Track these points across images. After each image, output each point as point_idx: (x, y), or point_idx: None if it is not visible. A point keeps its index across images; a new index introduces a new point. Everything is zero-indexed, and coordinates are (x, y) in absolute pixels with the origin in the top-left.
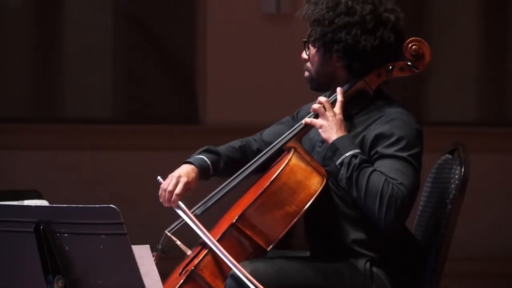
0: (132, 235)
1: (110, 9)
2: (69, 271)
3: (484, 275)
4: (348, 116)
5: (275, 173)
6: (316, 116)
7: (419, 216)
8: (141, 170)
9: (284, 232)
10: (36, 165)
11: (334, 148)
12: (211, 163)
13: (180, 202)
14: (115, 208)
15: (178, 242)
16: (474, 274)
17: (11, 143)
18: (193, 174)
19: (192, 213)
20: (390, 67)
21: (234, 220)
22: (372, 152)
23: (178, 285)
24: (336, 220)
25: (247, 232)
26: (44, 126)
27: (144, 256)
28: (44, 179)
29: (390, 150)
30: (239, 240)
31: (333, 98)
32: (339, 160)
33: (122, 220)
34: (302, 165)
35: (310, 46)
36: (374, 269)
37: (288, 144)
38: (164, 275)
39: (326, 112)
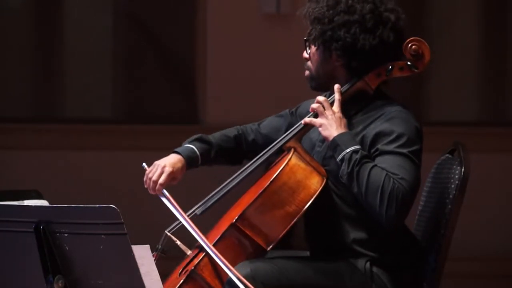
0: (132, 235)
1: (110, 9)
2: (69, 271)
3: (484, 275)
4: (348, 116)
5: (275, 173)
6: (316, 115)
7: (419, 216)
8: (141, 170)
9: (284, 232)
10: (36, 165)
11: (335, 145)
12: (200, 153)
13: (165, 191)
14: (115, 208)
15: (178, 242)
16: (474, 274)
17: (11, 143)
18: (179, 165)
19: (192, 213)
20: (390, 67)
21: (234, 220)
22: (373, 150)
23: (178, 285)
24: (336, 220)
25: (247, 232)
26: (44, 126)
27: (144, 256)
28: (44, 179)
29: (390, 147)
30: (239, 240)
31: (332, 99)
32: (340, 156)
33: (122, 220)
34: (302, 165)
35: (310, 44)
36: (374, 269)
37: (288, 144)
38: (164, 275)
39: (325, 111)
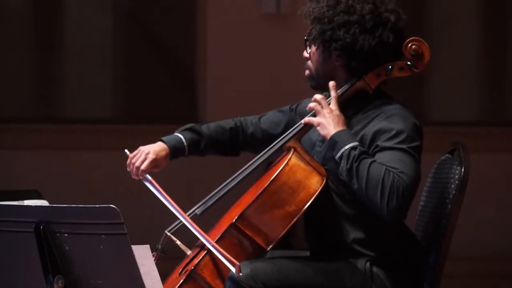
0: (132, 235)
1: (110, 9)
2: (69, 271)
3: (484, 275)
4: (348, 116)
5: (274, 173)
6: (314, 114)
7: (419, 216)
8: None
9: (284, 232)
10: (36, 165)
11: (333, 142)
12: (188, 144)
13: (148, 176)
14: (115, 208)
15: (178, 242)
16: (474, 274)
17: (11, 143)
18: (163, 153)
19: (192, 213)
20: (390, 67)
21: (234, 220)
22: (372, 147)
23: (178, 284)
24: (336, 220)
25: (247, 231)
26: (44, 126)
27: (144, 256)
28: (44, 179)
29: (390, 143)
30: (239, 239)
31: (331, 99)
32: (339, 153)
33: (122, 220)
34: (302, 164)
35: (311, 44)
36: (374, 269)
37: (288, 144)
38: (164, 275)
39: (323, 109)
